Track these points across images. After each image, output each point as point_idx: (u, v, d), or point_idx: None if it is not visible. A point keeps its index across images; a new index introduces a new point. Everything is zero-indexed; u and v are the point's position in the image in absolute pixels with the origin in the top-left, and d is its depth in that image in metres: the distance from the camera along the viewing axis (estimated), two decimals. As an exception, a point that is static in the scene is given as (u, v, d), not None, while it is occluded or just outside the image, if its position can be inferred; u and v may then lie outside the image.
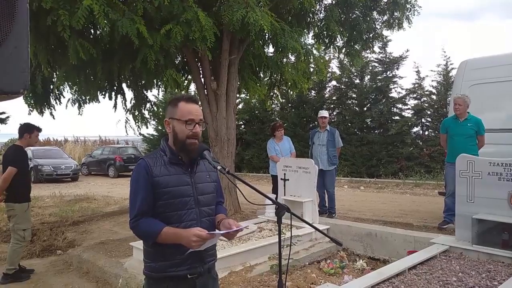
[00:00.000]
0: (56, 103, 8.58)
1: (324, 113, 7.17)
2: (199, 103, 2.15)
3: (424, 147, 14.17)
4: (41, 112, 8.38)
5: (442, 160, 9.44)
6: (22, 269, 5.34)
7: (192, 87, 10.51)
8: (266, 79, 9.93)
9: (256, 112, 18.52)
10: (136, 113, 9.15)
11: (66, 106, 8.73)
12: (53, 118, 8.61)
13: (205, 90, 7.73)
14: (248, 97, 16.37)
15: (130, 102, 9.06)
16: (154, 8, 5.62)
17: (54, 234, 7.31)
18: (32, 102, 8.18)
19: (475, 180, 4.56)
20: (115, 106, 8.80)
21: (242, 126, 18.78)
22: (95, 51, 5.78)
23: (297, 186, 6.49)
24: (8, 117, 18.39)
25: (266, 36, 7.16)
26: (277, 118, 18.12)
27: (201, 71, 7.84)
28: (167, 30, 5.66)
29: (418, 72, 14.98)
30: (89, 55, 5.74)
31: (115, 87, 8.58)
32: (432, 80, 14.91)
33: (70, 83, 7.95)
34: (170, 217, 1.93)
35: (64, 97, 8.79)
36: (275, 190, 7.13)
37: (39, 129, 5.49)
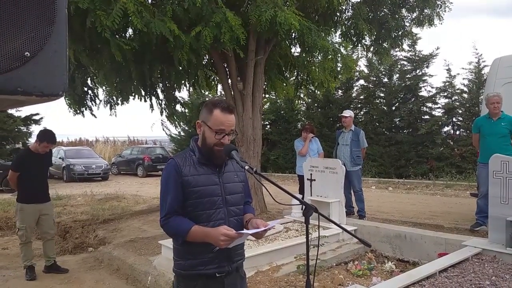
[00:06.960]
0: (92, 104, 8.86)
1: (346, 112, 7.11)
2: (235, 111, 2.17)
3: (455, 147, 13.80)
4: (79, 113, 8.67)
5: (474, 160, 9.18)
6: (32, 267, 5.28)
7: (219, 88, 10.64)
8: (292, 78, 9.90)
9: (282, 112, 18.43)
10: (168, 113, 9.39)
11: (98, 107, 9.02)
12: (83, 116, 8.89)
13: (232, 91, 7.79)
14: (274, 96, 16.35)
15: (162, 103, 9.30)
16: (183, 10, 5.69)
17: (86, 232, 7.53)
18: (70, 103, 8.50)
19: (510, 181, 4.41)
20: (151, 106, 9.07)
21: (268, 126, 18.76)
22: (130, 48, 5.90)
23: (324, 186, 6.44)
24: (41, 118, 19.14)
25: (293, 36, 7.14)
26: (303, 118, 18.00)
27: (227, 72, 7.90)
28: (197, 32, 5.72)
29: (449, 70, 14.59)
30: (126, 55, 5.86)
31: (147, 89, 8.78)
32: (464, 78, 14.53)
33: (107, 85, 8.19)
34: (199, 216, 1.96)
35: (99, 98, 9.08)
36: (301, 190, 7.12)
37: (42, 140, 5.13)
